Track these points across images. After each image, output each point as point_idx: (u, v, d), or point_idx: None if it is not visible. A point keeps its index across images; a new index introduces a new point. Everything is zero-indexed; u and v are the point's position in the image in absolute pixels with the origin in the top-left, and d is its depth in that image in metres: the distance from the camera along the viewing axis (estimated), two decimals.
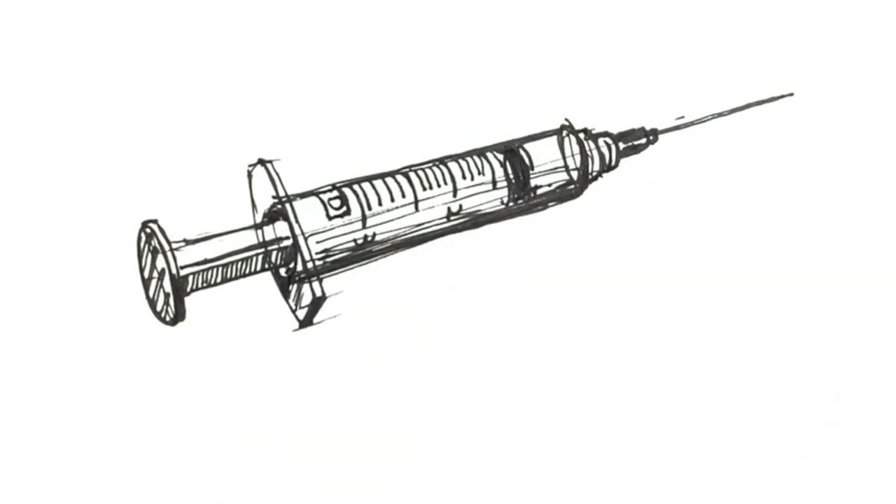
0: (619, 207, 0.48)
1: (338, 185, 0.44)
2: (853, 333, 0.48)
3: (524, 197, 0.47)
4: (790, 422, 0.44)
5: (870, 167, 0.51)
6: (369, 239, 0.44)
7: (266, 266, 0.42)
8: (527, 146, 0.47)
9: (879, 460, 0.44)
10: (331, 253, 0.43)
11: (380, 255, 0.45)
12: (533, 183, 0.47)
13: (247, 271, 0.42)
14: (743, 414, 0.45)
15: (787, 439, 0.42)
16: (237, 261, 0.42)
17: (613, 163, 0.48)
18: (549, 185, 0.47)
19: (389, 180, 0.45)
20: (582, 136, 0.48)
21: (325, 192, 0.44)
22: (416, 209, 0.45)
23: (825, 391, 0.46)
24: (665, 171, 0.49)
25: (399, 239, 0.45)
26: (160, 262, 0.40)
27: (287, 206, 0.42)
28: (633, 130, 0.49)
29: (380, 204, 0.44)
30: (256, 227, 0.43)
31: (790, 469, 0.41)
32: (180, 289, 0.40)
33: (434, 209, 0.45)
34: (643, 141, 0.49)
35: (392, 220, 0.44)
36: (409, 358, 0.43)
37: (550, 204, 0.47)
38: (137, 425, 0.40)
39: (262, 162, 0.43)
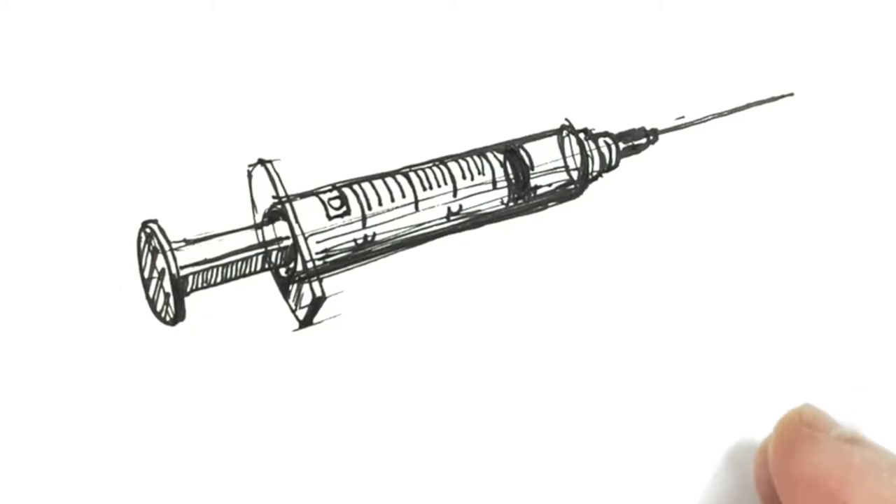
0: (619, 207, 0.48)
1: (338, 185, 0.44)
2: (855, 333, 0.48)
3: (524, 197, 0.47)
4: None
5: (870, 167, 0.51)
6: (369, 239, 0.44)
7: (266, 266, 0.42)
8: (527, 146, 0.47)
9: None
10: (331, 253, 0.43)
11: (380, 255, 0.45)
12: (533, 183, 0.47)
13: (247, 271, 0.42)
14: (744, 416, 0.45)
15: None
16: (237, 261, 0.42)
17: (613, 163, 0.48)
18: (549, 185, 0.47)
19: (389, 180, 0.45)
20: (582, 136, 0.48)
21: (325, 192, 0.44)
22: (416, 209, 0.45)
23: (825, 393, 0.46)
24: (665, 171, 0.49)
25: (399, 239, 0.45)
26: (160, 262, 0.40)
27: (287, 206, 0.42)
28: (633, 130, 0.49)
29: (380, 204, 0.44)
30: (256, 227, 0.43)
31: None
32: (180, 289, 0.40)
33: (434, 209, 0.45)
34: (643, 141, 0.49)
35: (392, 220, 0.44)
36: (410, 358, 0.43)
37: (550, 204, 0.47)
38: (137, 425, 0.40)
39: (262, 162, 0.43)
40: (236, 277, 0.42)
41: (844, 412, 0.39)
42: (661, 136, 0.49)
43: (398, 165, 0.45)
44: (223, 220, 0.42)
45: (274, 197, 0.42)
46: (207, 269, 0.41)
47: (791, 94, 0.51)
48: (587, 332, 0.45)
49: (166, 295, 0.41)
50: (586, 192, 0.48)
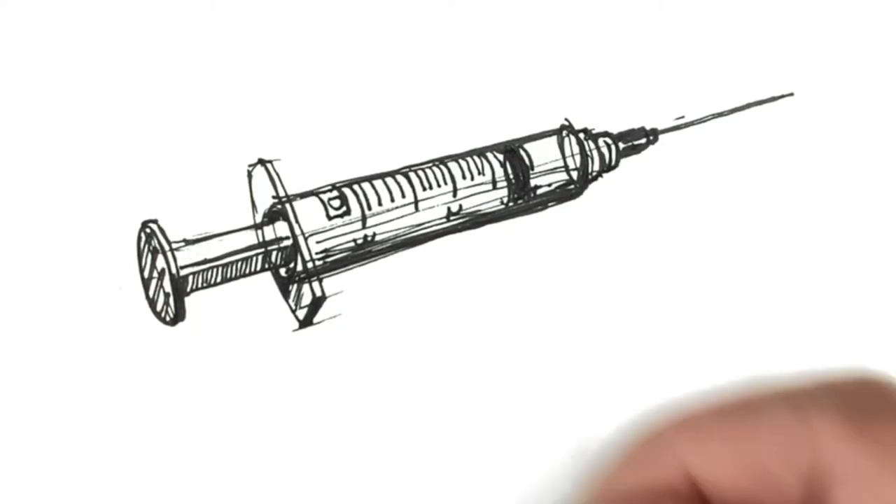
0: (619, 207, 0.48)
1: (338, 185, 0.44)
2: (855, 336, 0.48)
3: (524, 197, 0.47)
4: None
5: (870, 167, 0.51)
6: (369, 239, 0.44)
7: (266, 266, 0.42)
8: (527, 146, 0.47)
9: None
10: (331, 253, 0.43)
11: (380, 255, 0.45)
12: (533, 183, 0.47)
13: (247, 271, 0.42)
14: None
15: None
16: (237, 261, 0.42)
17: (613, 163, 0.48)
18: (549, 185, 0.47)
19: (389, 180, 0.45)
20: (582, 136, 0.48)
21: (325, 192, 0.44)
22: (416, 209, 0.45)
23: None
24: (665, 171, 0.49)
25: (399, 239, 0.45)
26: (160, 262, 0.40)
27: (287, 206, 0.42)
28: (633, 130, 0.49)
29: (380, 204, 0.44)
30: (256, 227, 0.43)
31: None
32: (180, 289, 0.40)
33: (434, 209, 0.45)
34: (643, 141, 0.49)
35: (392, 220, 0.44)
36: (409, 358, 0.43)
37: (550, 204, 0.47)
38: (137, 425, 0.40)
39: (262, 162, 0.43)
40: (236, 277, 0.42)
41: None
42: (660, 136, 0.49)
43: (398, 165, 0.45)
44: (223, 220, 0.42)
45: (274, 197, 0.42)
46: (207, 269, 0.41)
47: (791, 94, 0.51)
48: (586, 331, 0.45)
49: (166, 295, 0.41)
50: (586, 192, 0.48)
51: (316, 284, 0.42)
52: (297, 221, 0.42)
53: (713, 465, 0.28)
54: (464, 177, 0.46)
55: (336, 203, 0.43)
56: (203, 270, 0.41)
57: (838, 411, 0.27)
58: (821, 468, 0.26)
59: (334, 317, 0.43)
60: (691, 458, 0.29)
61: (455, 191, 0.45)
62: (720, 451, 0.28)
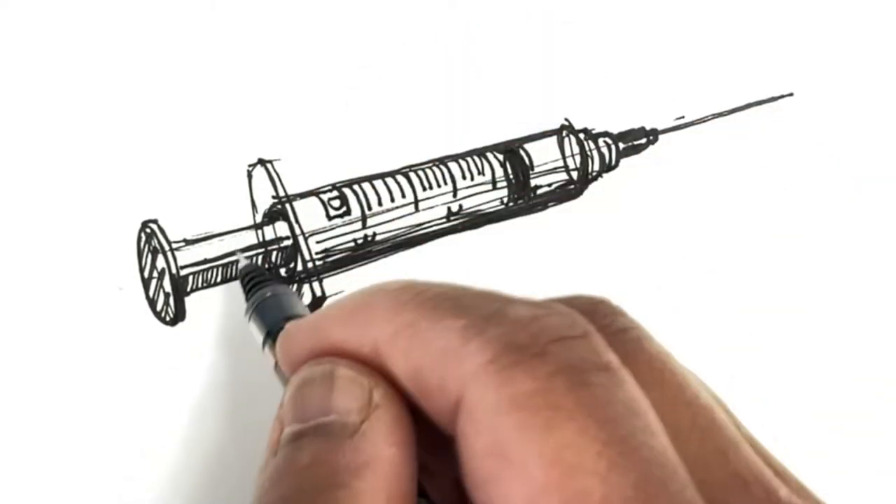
0: (619, 207, 0.48)
1: (338, 185, 0.44)
2: (857, 337, 0.48)
3: (524, 197, 0.47)
4: (791, 436, 0.44)
5: (870, 167, 0.51)
6: (369, 239, 0.44)
7: (266, 266, 0.42)
8: (527, 146, 0.47)
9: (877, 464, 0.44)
10: (331, 253, 0.43)
11: (380, 255, 0.45)
12: (533, 183, 0.47)
13: None
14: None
15: (786, 455, 0.42)
16: (237, 261, 0.42)
17: (613, 163, 0.49)
18: (549, 185, 0.47)
19: (389, 180, 0.45)
20: (582, 136, 0.48)
21: (325, 192, 0.44)
22: (416, 209, 0.45)
23: (828, 402, 0.46)
24: (665, 171, 0.49)
25: (399, 239, 0.45)
26: (160, 262, 0.40)
27: (287, 206, 0.42)
28: (632, 130, 0.49)
29: (380, 204, 0.44)
30: (256, 227, 0.43)
31: None
32: (180, 289, 0.40)
33: (434, 209, 0.45)
34: (643, 141, 0.49)
35: (392, 219, 0.44)
36: None
37: (550, 204, 0.47)
38: (137, 425, 0.40)
39: (262, 162, 0.43)
40: (236, 277, 0.42)
41: None
42: (660, 136, 0.49)
43: (398, 165, 0.45)
44: (223, 220, 0.42)
45: (274, 197, 0.42)
46: (207, 269, 0.41)
47: (791, 94, 0.51)
48: None
49: (166, 295, 0.41)
50: (586, 192, 0.48)
51: (316, 284, 0.42)
52: (297, 221, 0.42)
53: (393, 356, 0.26)
54: (464, 177, 0.46)
55: (336, 203, 0.43)
56: (203, 270, 0.41)
57: (494, 345, 0.23)
58: (461, 398, 0.23)
59: None
60: (379, 336, 0.26)
61: (455, 191, 0.45)
62: (403, 343, 0.25)
